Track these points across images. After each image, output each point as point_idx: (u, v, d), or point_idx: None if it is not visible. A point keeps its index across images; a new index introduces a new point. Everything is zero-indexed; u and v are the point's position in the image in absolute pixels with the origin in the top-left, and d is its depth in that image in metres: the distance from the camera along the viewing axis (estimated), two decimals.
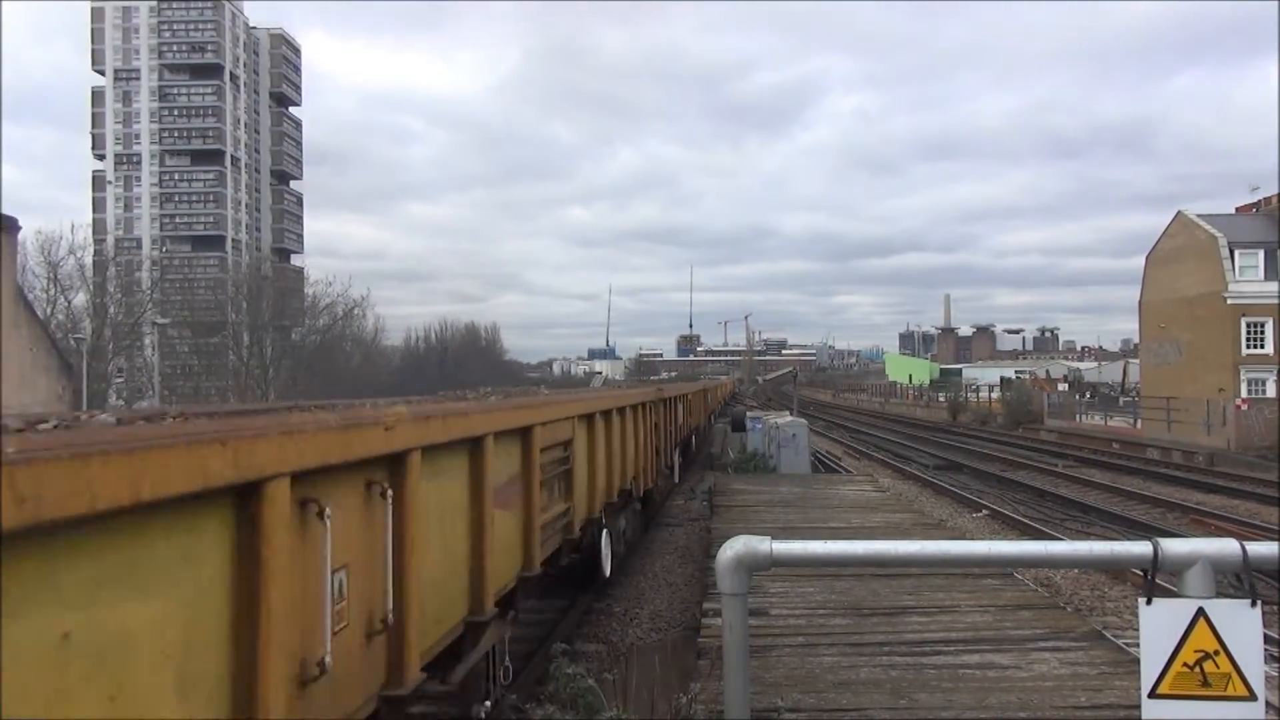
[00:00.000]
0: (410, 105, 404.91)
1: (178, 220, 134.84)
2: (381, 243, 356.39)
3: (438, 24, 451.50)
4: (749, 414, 30.29)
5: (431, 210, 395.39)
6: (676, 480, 18.39)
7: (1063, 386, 67.99)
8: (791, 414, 30.25)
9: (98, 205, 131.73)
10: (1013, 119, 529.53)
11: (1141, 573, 3.06)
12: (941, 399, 70.67)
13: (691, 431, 22.12)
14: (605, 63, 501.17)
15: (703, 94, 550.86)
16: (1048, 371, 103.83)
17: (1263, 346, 41.51)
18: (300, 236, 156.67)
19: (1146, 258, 48.61)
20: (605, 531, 8.98)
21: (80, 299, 65.46)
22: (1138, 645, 3.09)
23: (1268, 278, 41.34)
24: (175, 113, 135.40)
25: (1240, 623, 2.91)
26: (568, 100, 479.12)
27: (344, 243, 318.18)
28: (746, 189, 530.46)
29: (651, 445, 12.66)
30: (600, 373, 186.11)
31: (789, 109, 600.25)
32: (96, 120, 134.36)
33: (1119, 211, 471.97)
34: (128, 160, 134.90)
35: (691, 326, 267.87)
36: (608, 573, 9.24)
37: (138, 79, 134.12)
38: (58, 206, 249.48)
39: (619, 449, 9.45)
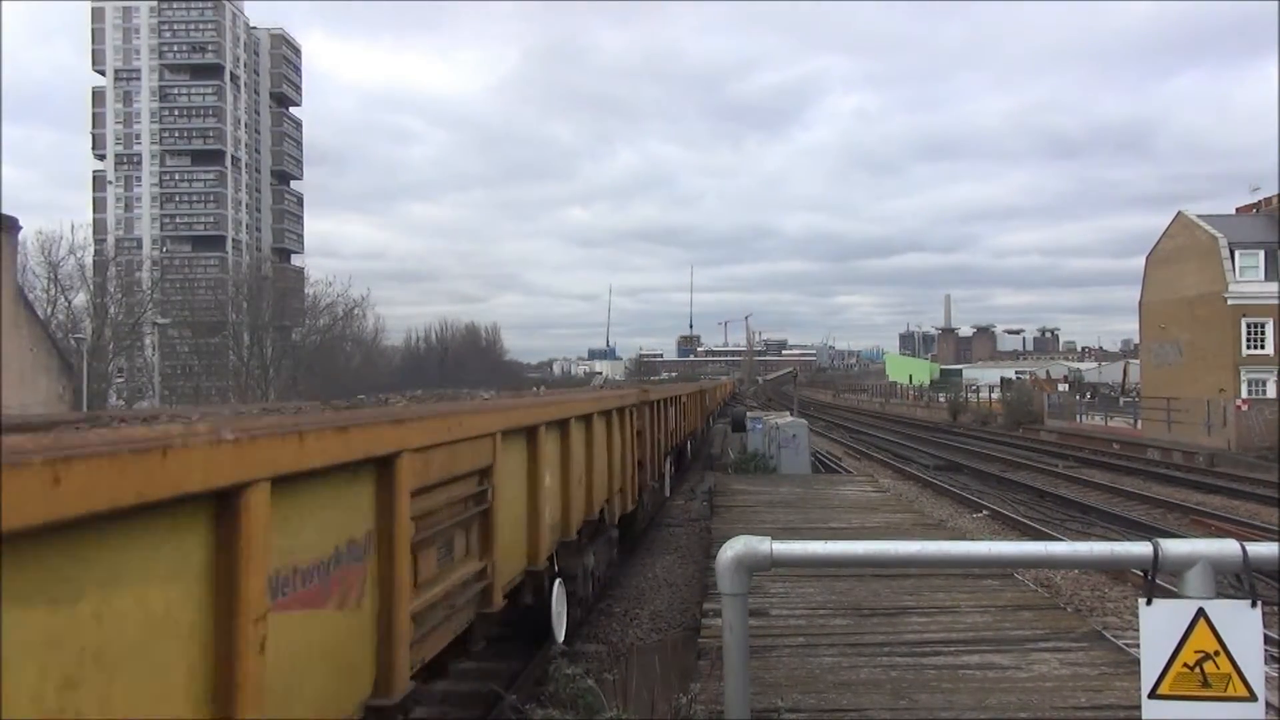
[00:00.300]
0: (410, 105, 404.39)
1: (178, 220, 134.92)
2: (381, 243, 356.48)
3: (437, 24, 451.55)
4: (749, 414, 30.30)
5: (431, 210, 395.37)
6: (668, 494, 16.75)
7: (1063, 387, 68.04)
8: (792, 414, 30.26)
9: (98, 205, 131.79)
10: (1012, 119, 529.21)
11: (1142, 573, 3.06)
12: (942, 399, 70.69)
13: (686, 438, 21.29)
14: (604, 63, 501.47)
15: (702, 94, 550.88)
16: (1048, 372, 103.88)
17: (1263, 347, 41.51)
18: (300, 237, 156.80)
19: (1147, 258, 48.61)
20: (558, 583, 7.10)
21: (80, 299, 65.58)
22: (1138, 646, 3.09)
23: (1268, 278, 41.34)
24: (176, 113, 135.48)
25: (1240, 623, 2.91)
26: (567, 100, 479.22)
27: (343, 243, 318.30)
28: (746, 189, 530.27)
29: (633, 458, 10.86)
30: (600, 373, 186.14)
31: (788, 109, 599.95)
32: (97, 120, 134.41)
33: (1119, 212, 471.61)
34: (128, 160, 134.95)
35: (692, 327, 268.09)
36: (560, 637, 7.21)
37: (138, 79, 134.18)
38: (58, 207, 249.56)
39: (582, 469, 7.60)
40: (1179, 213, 46.28)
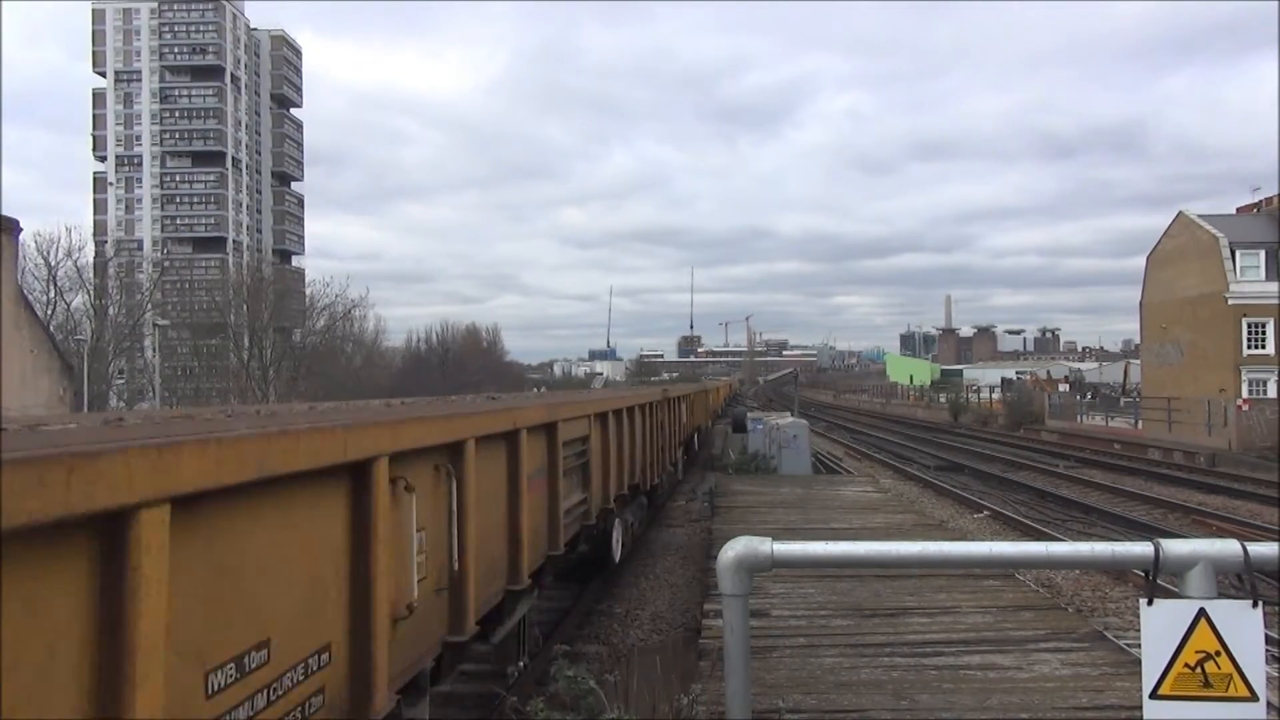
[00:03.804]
0: (403, 106, 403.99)
1: (179, 222, 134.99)
2: (378, 244, 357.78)
3: (427, 25, 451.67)
4: (750, 415, 30.28)
5: (427, 211, 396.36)
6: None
7: (1064, 387, 67.98)
8: (792, 415, 30.25)
9: (99, 207, 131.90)
10: (1006, 119, 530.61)
11: (1143, 573, 3.06)
12: (942, 400, 70.65)
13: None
14: (596, 63, 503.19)
15: (694, 95, 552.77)
16: (1049, 372, 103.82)
17: (1264, 347, 41.49)
18: (301, 238, 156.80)
19: (1148, 258, 48.60)
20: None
21: (79, 301, 65.58)
22: (1139, 646, 3.09)
23: (1269, 278, 41.34)
24: (176, 114, 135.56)
25: (1242, 623, 2.91)
26: (560, 101, 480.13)
27: (340, 244, 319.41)
28: (741, 190, 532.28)
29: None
30: (601, 374, 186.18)
31: (780, 109, 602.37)
32: (98, 122, 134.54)
33: (1115, 212, 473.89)
34: (129, 162, 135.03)
35: (692, 327, 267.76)
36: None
37: (139, 81, 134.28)
38: (56, 209, 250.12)
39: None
40: (1179, 212, 46.26)
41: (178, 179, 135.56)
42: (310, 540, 3.00)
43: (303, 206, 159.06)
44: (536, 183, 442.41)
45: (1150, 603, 2.96)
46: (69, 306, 64.03)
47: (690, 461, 22.54)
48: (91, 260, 72.83)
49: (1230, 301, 41.55)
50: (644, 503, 12.51)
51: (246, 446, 2.44)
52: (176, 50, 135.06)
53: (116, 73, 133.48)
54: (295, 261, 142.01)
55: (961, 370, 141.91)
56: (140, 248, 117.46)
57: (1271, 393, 38.97)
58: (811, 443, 23.65)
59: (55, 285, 62.78)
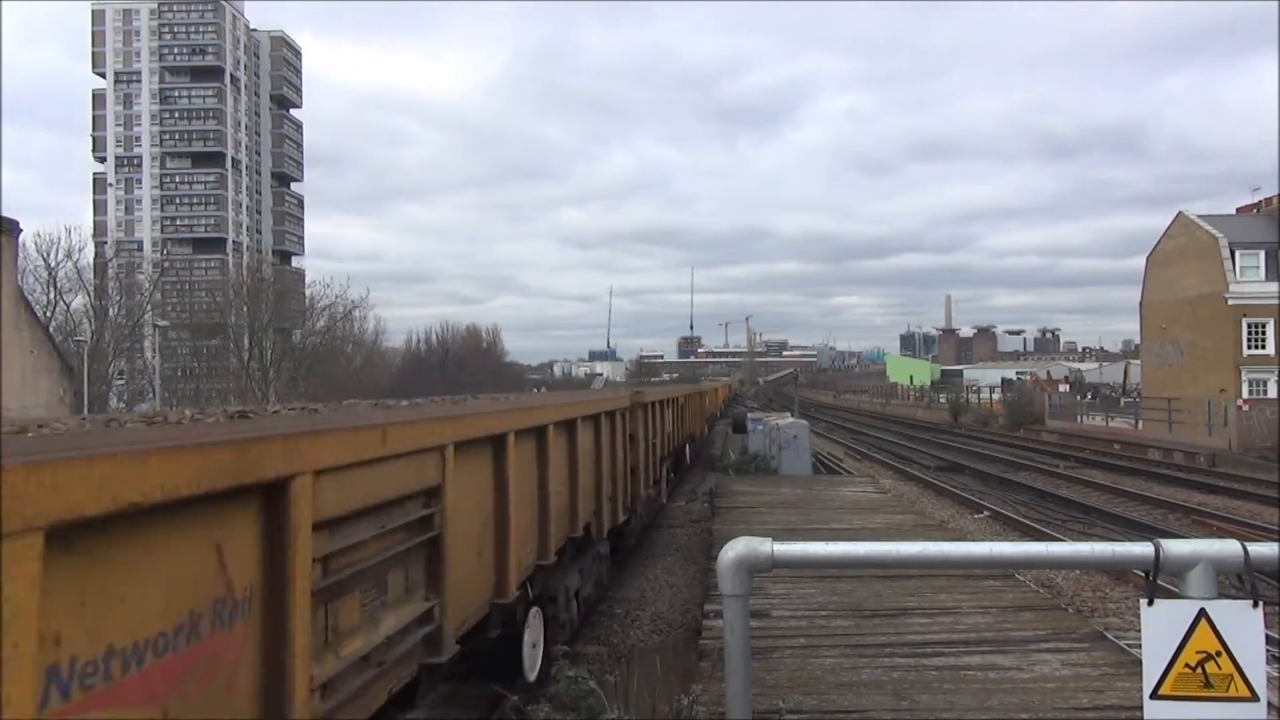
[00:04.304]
0: (403, 106, 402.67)
1: (179, 223, 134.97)
2: (378, 244, 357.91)
3: (427, 25, 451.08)
4: (750, 415, 30.29)
5: (426, 212, 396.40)
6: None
7: (1064, 387, 67.94)
8: (792, 415, 30.25)
9: (99, 208, 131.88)
10: (1006, 119, 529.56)
11: (1143, 574, 3.06)
12: (943, 400, 70.65)
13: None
14: (595, 63, 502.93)
15: (694, 95, 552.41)
16: (1049, 372, 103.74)
17: (1264, 347, 41.49)
18: (301, 239, 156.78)
19: (1147, 258, 48.60)
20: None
21: (79, 301, 65.64)
22: (1139, 646, 3.09)
23: (1269, 278, 41.33)
24: (176, 115, 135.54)
25: (1242, 623, 2.91)
26: (559, 101, 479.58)
27: (340, 245, 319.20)
28: (741, 190, 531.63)
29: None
30: (601, 374, 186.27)
31: (781, 109, 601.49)
32: (97, 123, 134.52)
33: (1115, 212, 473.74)
34: (129, 163, 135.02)
35: (692, 328, 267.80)
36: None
37: (138, 81, 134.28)
38: (58, 209, 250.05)
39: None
40: (1179, 213, 46.25)
41: (177, 179, 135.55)
42: None
43: (302, 207, 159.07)
44: (536, 183, 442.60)
45: (1150, 603, 2.96)
46: (69, 307, 64.16)
47: (679, 478, 19.94)
48: (91, 261, 72.96)
49: (1230, 302, 41.55)
50: (603, 553, 9.48)
51: None
52: (176, 51, 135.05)
53: (116, 73, 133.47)
54: (295, 262, 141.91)
55: (961, 370, 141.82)
56: (140, 248, 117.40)
57: (1271, 393, 38.96)
58: (811, 443, 23.64)
59: (55, 286, 62.90)
